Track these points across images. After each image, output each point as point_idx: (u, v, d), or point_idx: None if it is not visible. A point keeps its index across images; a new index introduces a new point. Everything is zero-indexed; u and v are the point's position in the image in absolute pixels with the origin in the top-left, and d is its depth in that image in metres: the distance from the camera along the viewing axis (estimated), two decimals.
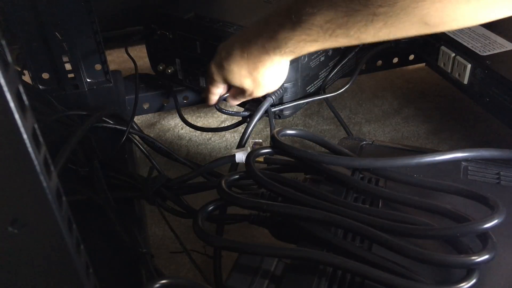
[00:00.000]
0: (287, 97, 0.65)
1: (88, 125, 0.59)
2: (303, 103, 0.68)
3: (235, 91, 0.62)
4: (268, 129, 0.80)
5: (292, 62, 0.62)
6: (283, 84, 0.63)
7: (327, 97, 0.72)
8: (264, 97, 0.63)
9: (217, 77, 0.59)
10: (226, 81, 0.59)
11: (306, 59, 0.65)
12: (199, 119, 0.83)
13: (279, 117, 0.68)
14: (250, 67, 0.54)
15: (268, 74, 0.55)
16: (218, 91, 0.62)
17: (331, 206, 0.39)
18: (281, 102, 0.66)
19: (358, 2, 0.42)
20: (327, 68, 0.72)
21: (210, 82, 0.60)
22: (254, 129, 0.77)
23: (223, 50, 0.56)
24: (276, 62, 0.53)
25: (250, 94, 0.59)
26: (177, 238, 0.54)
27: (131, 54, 0.75)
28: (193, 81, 0.75)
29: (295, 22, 0.47)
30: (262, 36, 0.51)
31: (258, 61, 0.53)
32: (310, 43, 0.48)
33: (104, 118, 0.63)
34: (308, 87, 0.69)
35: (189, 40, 0.70)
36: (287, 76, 0.63)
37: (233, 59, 0.55)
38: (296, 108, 0.68)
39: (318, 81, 0.71)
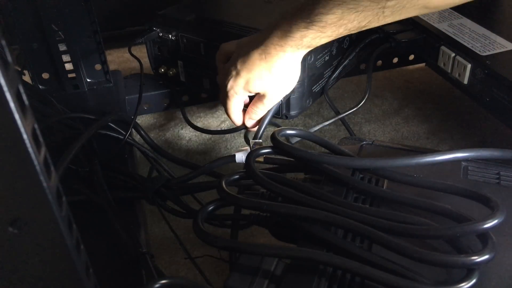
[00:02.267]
0: (294, 97, 0.65)
1: (93, 131, 0.59)
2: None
3: (254, 103, 0.61)
4: (269, 129, 0.80)
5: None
6: None
7: (342, 116, 0.73)
8: None
9: (238, 89, 0.57)
10: (247, 91, 0.58)
11: (312, 59, 0.65)
12: (199, 119, 0.83)
13: (286, 117, 0.68)
14: (270, 67, 0.55)
15: (287, 70, 0.56)
16: (240, 106, 0.61)
17: (331, 206, 0.39)
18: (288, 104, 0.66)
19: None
20: (331, 67, 0.72)
21: (231, 98, 0.59)
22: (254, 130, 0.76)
23: (238, 62, 0.56)
24: (294, 57, 0.55)
25: (269, 99, 0.59)
26: (177, 238, 0.54)
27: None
28: (196, 83, 0.75)
29: (308, 22, 0.50)
30: (277, 36, 0.53)
31: (277, 59, 0.55)
32: (325, 38, 0.51)
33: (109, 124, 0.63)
34: (314, 87, 0.69)
35: (192, 42, 0.70)
36: None
37: (253, 66, 0.55)
38: (302, 109, 0.69)
39: (323, 80, 0.71)
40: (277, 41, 0.53)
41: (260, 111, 0.60)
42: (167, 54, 0.74)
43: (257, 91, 0.58)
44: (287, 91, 0.60)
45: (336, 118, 0.73)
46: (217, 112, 0.85)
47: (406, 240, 0.36)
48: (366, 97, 0.72)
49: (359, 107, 0.72)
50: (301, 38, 0.52)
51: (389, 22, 0.48)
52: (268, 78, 0.56)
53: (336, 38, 0.52)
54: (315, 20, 0.49)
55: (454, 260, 0.34)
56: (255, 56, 0.55)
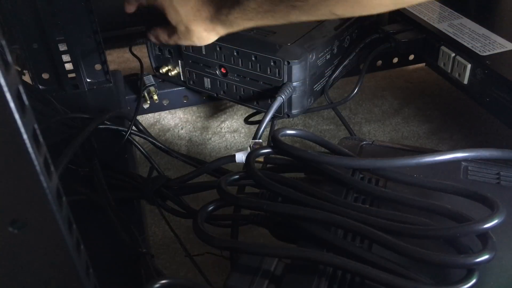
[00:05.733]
0: (295, 95, 0.65)
1: (92, 128, 0.59)
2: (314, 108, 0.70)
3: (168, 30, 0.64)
4: (268, 129, 0.80)
5: (301, 61, 0.62)
6: (292, 83, 0.64)
7: (334, 104, 0.73)
8: (275, 97, 0.63)
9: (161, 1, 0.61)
10: (159, 10, 0.62)
11: (314, 57, 0.65)
12: (199, 119, 0.83)
13: (288, 116, 0.68)
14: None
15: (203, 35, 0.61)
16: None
17: (331, 206, 0.39)
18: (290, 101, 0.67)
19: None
20: (332, 66, 0.72)
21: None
22: (254, 130, 0.76)
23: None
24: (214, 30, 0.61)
25: (178, 38, 0.63)
26: (177, 238, 0.54)
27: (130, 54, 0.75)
28: (197, 83, 0.75)
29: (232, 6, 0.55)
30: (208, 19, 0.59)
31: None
32: (246, 20, 0.56)
33: (107, 122, 0.63)
34: (315, 86, 0.69)
35: None
36: (296, 76, 0.63)
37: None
38: (304, 108, 0.69)
39: (324, 79, 0.71)
40: (207, 25, 0.59)
41: (170, 41, 0.65)
42: (168, 53, 0.74)
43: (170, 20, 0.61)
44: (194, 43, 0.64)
45: (329, 106, 0.74)
46: (217, 113, 0.85)
47: (406, 240, 0.36)
48: (357, 88, 0.73)
49: (351, 97, 0.73)
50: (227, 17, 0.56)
51: (307, 21, 0.52)
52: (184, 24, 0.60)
53: (256, 25, 0.56)
54: (240, 4, 0.54)
55: (454, 260, 0.34)
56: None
